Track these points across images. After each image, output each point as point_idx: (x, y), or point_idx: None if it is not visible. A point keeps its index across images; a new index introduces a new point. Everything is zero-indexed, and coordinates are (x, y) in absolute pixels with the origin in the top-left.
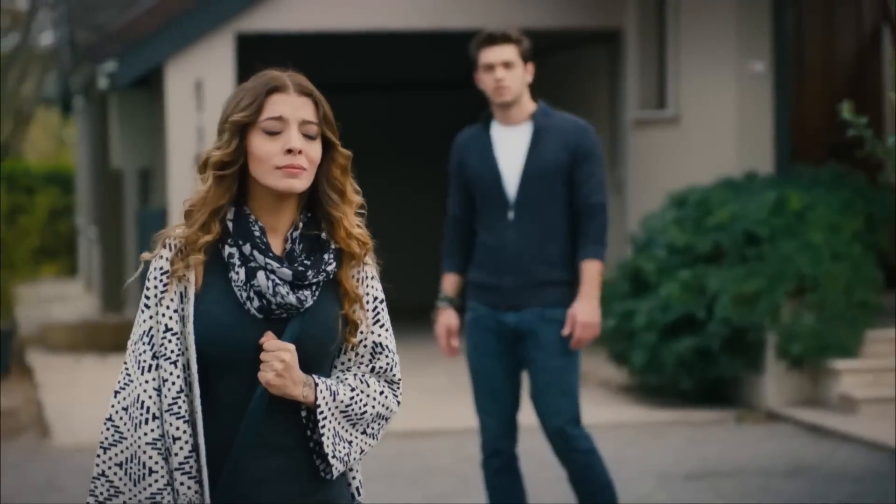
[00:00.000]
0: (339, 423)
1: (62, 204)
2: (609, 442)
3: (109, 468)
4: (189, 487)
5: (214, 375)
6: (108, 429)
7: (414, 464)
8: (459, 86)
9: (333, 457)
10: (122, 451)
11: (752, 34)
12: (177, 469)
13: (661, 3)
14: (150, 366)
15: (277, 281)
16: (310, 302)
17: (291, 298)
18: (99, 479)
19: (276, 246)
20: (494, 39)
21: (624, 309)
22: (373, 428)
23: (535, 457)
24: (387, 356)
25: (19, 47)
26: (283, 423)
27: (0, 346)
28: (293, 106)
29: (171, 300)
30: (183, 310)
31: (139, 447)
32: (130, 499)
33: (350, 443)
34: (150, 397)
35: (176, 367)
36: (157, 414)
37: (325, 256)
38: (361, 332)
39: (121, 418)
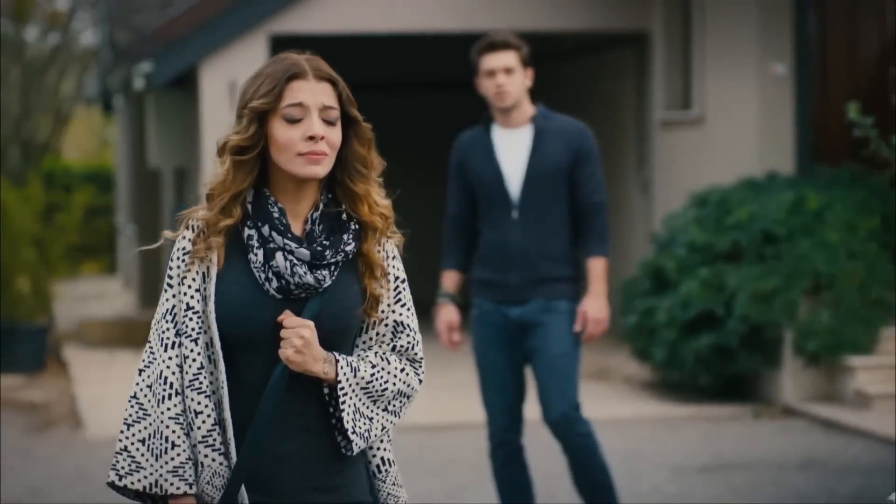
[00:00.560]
0: (359, 400)
1: (100, 202)
2: (627, 436)
3: (132, 444)
4: (214, 460)
5: (236, 354)
6: (132, 406)
7: (434, 456)
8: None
9: (353, 432)
10: (145, 427)
11: (773, 36)
12: (200, 442)
13: (687, 6)
14: (174, 343)
15: (295, 261)
16: (328, 282)
17: (309, 278)
18: (121, 454)
19: (297, 227)
20: (495, 46)
21: (645, 306)
22: (394, 405)
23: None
24: (408, 335)
25: (58, 47)
26: (304, 401)
27: (36, 342)
28: (313, 92)
29: (194, 280)
30: (205, 289)
31: (162, 422)
32: (151, 473)
33: (371, 419)
34: (172, 373)
35: (197, 344)
36: (180, 389)
37: (345, 237)
38: (383, 311)
39: (145, 395)
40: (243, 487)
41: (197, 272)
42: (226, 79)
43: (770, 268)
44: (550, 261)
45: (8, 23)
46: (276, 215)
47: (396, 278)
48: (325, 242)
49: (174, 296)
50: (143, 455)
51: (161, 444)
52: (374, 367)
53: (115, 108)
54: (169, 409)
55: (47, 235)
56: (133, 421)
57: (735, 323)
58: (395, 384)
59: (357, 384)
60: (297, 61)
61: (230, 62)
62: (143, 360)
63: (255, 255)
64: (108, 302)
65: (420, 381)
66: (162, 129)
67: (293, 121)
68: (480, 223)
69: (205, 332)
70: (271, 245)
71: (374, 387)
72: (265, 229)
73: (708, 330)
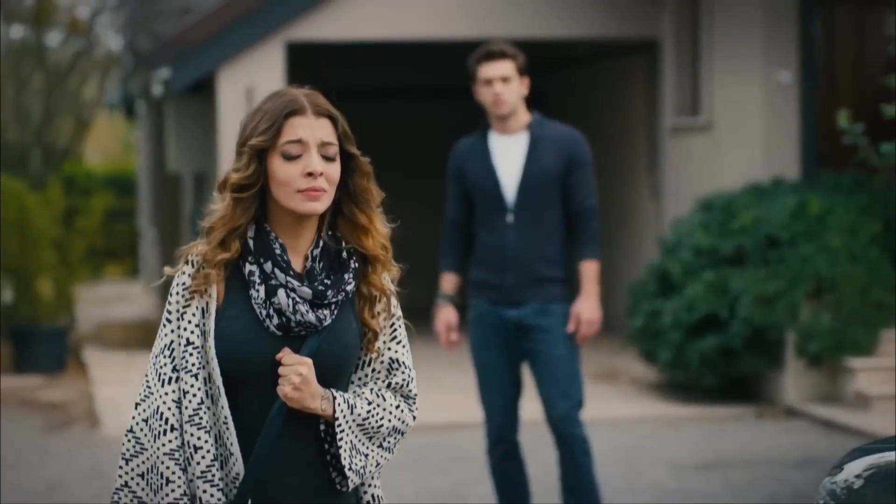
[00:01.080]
0: (356, 437)
1: (122, 206)
2: (631, 435)
3: (132, 479)
4: (212, 496)
5: (236, 388)
6: (129, 440)
7: (441, 454)
8: None
9: (350, 469)
10: (143, 462)
11: (779, 44)
12: (199, 477)
13: (696, 14)
14: (171, 378)
15: (297, 299)
16: (328, 321)
17: (311, 317)
18: (122, 490)
19: (297, 263)
20: (493, 55)
21: (651, 308)
22: (388, 441)
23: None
24: (403, 372)
25: (80, 52)
26: (301, 436)
27: (57, 343)
28: (312, 128)
29: (193, 315)
30: (204, 325)
31: (158, 458)
32: None
33: (366, 456)
34: (168, 409)
35: (196, 379)
36: (176, 425)
37: (346, 276)
38: (378, 348)
39: (141, 430)
40: None
41: (197, 307)
42: (243, 85)
43: (773, 271)
44: (544, 263)
45: (29, 29)
46: (277, 252)
47: (392, 315)
48: (326, 282)
49: (172, 331)
50: (143, 490)
51: (158, 480)
52: (370, 404)
53: (137, 113)
54: (164, 444)
55: (67, 239)
56: (131, 455)
57: (739, 325)
58: (390, 421)
59: (353, 421)
60: (296, 97)
61: (247, 69)
62: (140, 394)
63: (257, 291)
64: (130, 305)
65: (414, 417)
66: (181, 135)
67: (292, 157)
68: (477, 227)
69: (204, 366)
70: (273, 282)
71: (369, 424)
72: (267, 266)
73: (712, 332)
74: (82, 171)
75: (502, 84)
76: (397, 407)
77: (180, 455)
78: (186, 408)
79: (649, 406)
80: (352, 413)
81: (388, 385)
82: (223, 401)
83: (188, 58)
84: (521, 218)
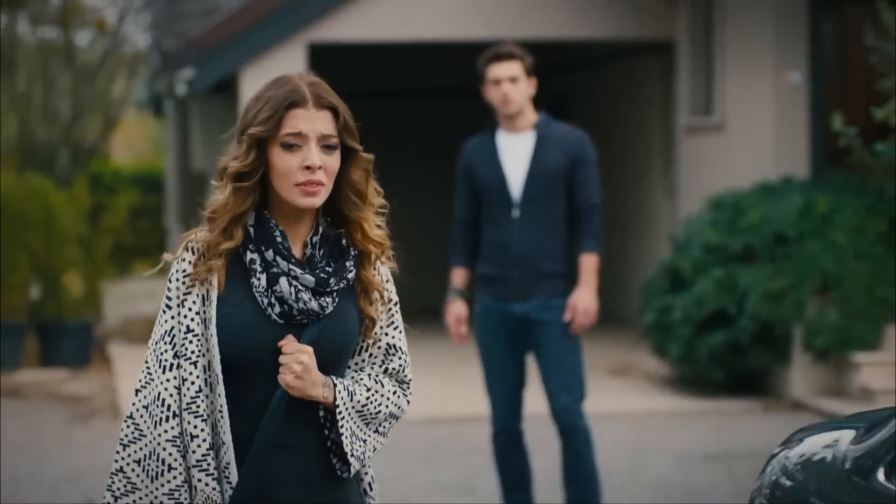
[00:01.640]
0: (355, 423)
1: (150, 204)
2: (640, 428)
3: (128, 464)
4: (207, 484)
5: (238, 376)
6: (128, 426)
7: (454, 445)
8: None
9: (352, 455)
10: (140, 448)
11: (789, 45)
12: (194, 466)
13: (710, 16)
14: (172, 364)
15: (300, 287)
16: (330, 308)
17: (313, 305)
18: (117, 475)
19: (296, 250)
20: (501, 56)
21: (662, 304)
22: (384, 426)
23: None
24: (400, 357)
25: (107, 52)
26: (301, 423)
27: (82, 338)
28: (312, 120)
29: (194, 302)
30: (205, 312)
31: (158, 444)
32: (146, 495)
33: (365, 441)
34: (170, 395)
35: (196, 367)
36: (177, 412)
37: (347, 264)
38: (376, 333)
39: (141, 416)
40: None
41: (197, 295)
42: None
43: (781, 268)
44: (548, 258)
45: (56, 30)
46: (279, 239)
47: (390, 300)
48: (328, 269)
49: (173, 317)
50: (138, 476)
51: (157, 467)
52: (368, 390)
53: (165, 112)
54: (166, 431)
55: (93, 236)
56: (129, 441)
57: (747, 321)
58: (387, 407)
59: (353, 408)
60: (298, 87)
61: (269, 69)
62: (140, 381)
63: (258, 279)
64: (157, 301)
65: (408, 402)
66: (205, 133)
67: (291, 147)
68: (484, 223)
69: (203, 354)
70: (275, 270)
71: (368, 410)
72: (269, 254)
73: (721, 327)
74: (109, 169)
75: (510, 84)
76: (394, 393)
77: (181, 442)
78: (184, 395)
79: (660, 400)
80: (351, 400)
81: (385, 370)
82: (220, 389)
83: (211, 58)
84: (526, 213)
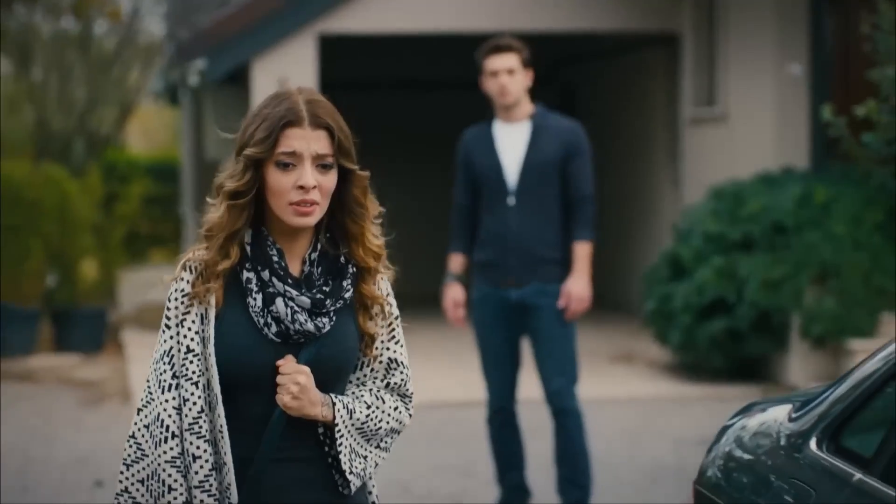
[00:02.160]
0: (354, 440)
1: (166, 193)
2: (640, 413)
3: (132, 484)
4: None
5: (237, 395)
6: (130, 446)
7: (456, 429)
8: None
9: (351, 472)
10: (143, 469)
11: (790, 38)
12: (196, 487)
13: (713, 9)
14: (171, 385)
15: (296, 308)
16: (327, 328)
17: (310, 326)
18: (122, 496)
19: (294, 267)
20: (499, 49)
21: (663, 292)
22: (386, 442)
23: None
24: (401, 372)
25: (122, 42)
26: (301, 438)
27: (96, 325)
28: (307, 140)
29: (193, 322)
30: (204, 331)
31: (159, 465)
32: None
33: (365, 458)
34: (169, 416)
35: (197, 387)
36: (177, 432)
37: (344, 283)
38: (377, 348)
39: (142, 436)
40: None
41: (196, 314)
42: (276, 76)
43: (779, 257)
44: (543, 244)
45: (71, 20)
46: (275, 258)
47: (391, 315)
48: (325, 289)
49: (172, 337)
50: (143, 496)
51: (159, 488)
52: (369, 407)
53: (180, 102)
54: (165, 452)
55: (106, 224)
56: (132, 461)
57: (746, 308)
58: (388, 423)
59: (353, 425)
60: (295, 106)
61: (280, 60)
62: (142, 400)
63: (255, 299)
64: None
65: (410, 415)
66: (218, 123)
67: (286, 168)
68: (481, 210)
69: (203, 374)
70: (271, 290)
71: (368, 427)
72: (265, 273)
73: (721, 315)
74: (124, 158)
75: (507, 76)
76: (395, 409)
77: (181, 462)
78: (186, 416)
79: (661, 386)
80: (351, 418)
81: (387, 385)
82: (220, 409)
83: (223, 49)
84: (521, 201)
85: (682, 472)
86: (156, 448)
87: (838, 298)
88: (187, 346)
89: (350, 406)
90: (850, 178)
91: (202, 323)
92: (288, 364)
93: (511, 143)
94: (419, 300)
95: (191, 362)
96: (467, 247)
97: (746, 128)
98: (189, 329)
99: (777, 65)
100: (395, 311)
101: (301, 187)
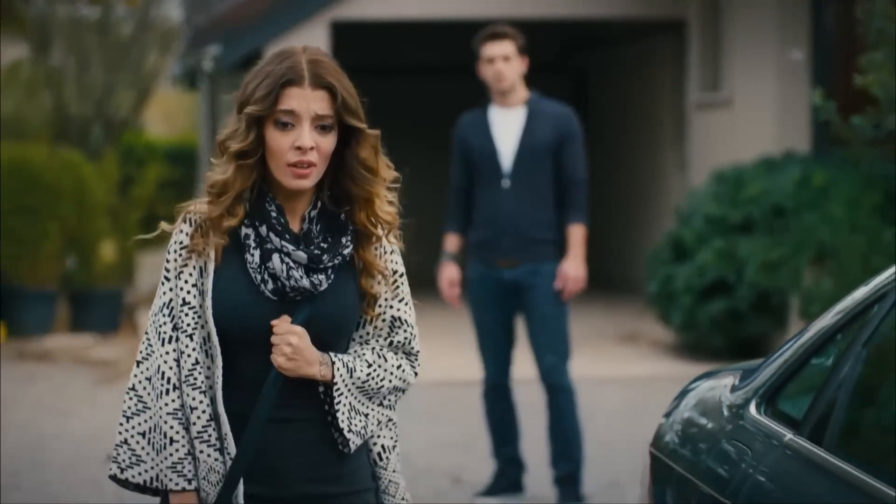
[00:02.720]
0: (355, 398)
1: (178, 177)
2: (639, 392)
3: (132, 436)
4: (209, 455)
5: (234, 351)
6: (130, 398)
7: (457, 406)
8: (541, 70)
9: (349, 431)
10: (145, 421)
11: (792, 23)
12: (196, 437)
13: None
14: (171, 337)
15: (292, 264)
16: (324, 286)
17: (305, 282)
18: (122, 447)
19: (294, 224)
20: (496, 36)
21: (666, 274)
22: (389, 400)
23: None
24: (405, 330)
25: (138, 26)
26: (302, 399)
27: (112, 306)
28: (307, 100)
29: (190, 275)
30: (202, 284)
31: (160, 417)
32: (152, 467)
33: (366, 416)
34: (170, 368)
35: (192, 340)
36: (178, 384)
37: (343, 239)
38: (380, 306)
39: (144, 388)
40: (241, 483)
41: (194, 267)
42: None
43: (778, 239)
44: (537, 225)
45: (89, 6)
46: (273, 214)
47: (395, 272)
48: (322, 245)
49: (171, 289)
50: (143, 448)
51: (161, 440)
52: (370, 365)
53: (198, 87)
54: (167, 404)
55: (122, 207)
56: (132, 413)
57: (745, 289)
58: (390, 381)
59: (353, 384)
60: (297, 65)
61: None
62: (141, 352)
63: (252, 255)
64: None
65: (416, 374)
66: (233, 108)
67: (285, 125)
68: (476, 192)
69: (201, 326)
70: (268, 246)
71: (369, 385)
72: (263, 229)
73: (721, 296)
74: (142, 142)
75: (503, 62)
76: (398, 367)
77: (182, 414)
78: (182, 368)
79: (663, 365)
80: (351, 376)
81: (390, 343)
82: (219, 361)
83: (237, 35)
84: (516, 184)
85: None
86: (157, 400)
87: (836, 279)
88: (183, 299)
89: (350, 364)
90: (849, 161)
91: (200, 276)
92: (281, 325)
93: (506, 127)
94: (429, 283)
95: (186, 315)
96: (463, 227)
97: (750, 112)
98: (186, 282)
99: (779, 51)
100: (400, 269)
101: (298, 148)
